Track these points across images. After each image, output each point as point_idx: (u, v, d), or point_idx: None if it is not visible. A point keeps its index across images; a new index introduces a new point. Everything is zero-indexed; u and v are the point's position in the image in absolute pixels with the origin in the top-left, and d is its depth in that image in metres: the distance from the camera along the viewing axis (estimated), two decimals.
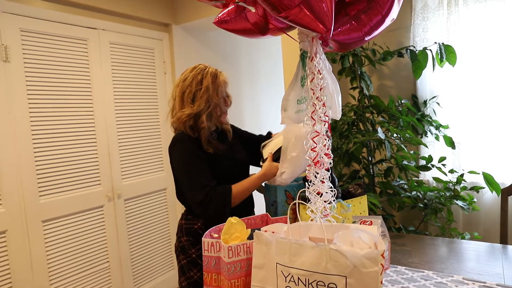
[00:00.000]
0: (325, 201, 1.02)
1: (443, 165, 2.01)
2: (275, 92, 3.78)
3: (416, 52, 2.10)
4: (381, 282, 0.74)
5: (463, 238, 1.95)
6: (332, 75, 1.10)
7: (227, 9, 1.15)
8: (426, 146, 2.18)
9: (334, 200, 1.04)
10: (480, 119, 2.12)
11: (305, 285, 0.79)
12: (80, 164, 2.29)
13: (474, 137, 2.15)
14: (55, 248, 2.15)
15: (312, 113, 1.03)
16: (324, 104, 1.03)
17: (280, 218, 1.20)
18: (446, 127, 2.18)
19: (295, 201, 0.92)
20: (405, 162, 2.05)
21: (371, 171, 2.22)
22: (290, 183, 1.38)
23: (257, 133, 1.68)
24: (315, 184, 1.03)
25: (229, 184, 1.36)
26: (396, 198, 2.03)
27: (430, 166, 2.03)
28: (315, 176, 1.03)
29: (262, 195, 1.58)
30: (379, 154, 2.44)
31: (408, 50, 2.13)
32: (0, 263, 1.91)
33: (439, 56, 2.02)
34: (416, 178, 2.22)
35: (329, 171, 1.05)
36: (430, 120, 2.20)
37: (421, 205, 2.01)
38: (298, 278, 0.80)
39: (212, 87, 1.38)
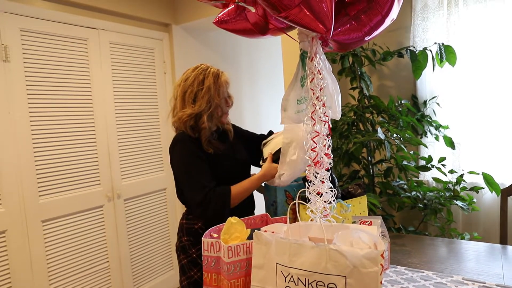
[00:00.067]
0: (325, 201, 1.02)
1: (443, 165, 2.01)
2: (275, 92, 3.78)
3: (416, 52, 2.10)
4: (381, 282, 0.74)
5: (462, 238, 1.95)
6: (332, 75, 1.10)
7: (227, 9, 1.15)
8: (426, 147, 2.18)
9: (334, 200, 1.04)
10: (480, 119, 2.12)
11: (305, 285, 0.79)
12: (80, 164, 2.29)
13: (474, 138, 2.15)
14: (54, 248, 2.15)
15: (312, 113, 1.03)
16: (324, 104, 1.03)
17: (280, 218, 1.20)
18: (446, 127, 2.18)
19: (295, 201, 0.92)
20: (405, 163, 2.05)
21: (371, 171, 2.22)
22: (290, 183, 1.38)
23: (257, 133, 1.68)
24: (315, 184, 1.03)
25: (229, 185, 1.36)
26: (395, 198, 2.03)
27: (430, 166, 2.03)
28: (315, 176, 1.03)
29: (262, 195, 1.58)
30: (379, 154, 2.44)
31: (408, 51, 2.13)
32: None
33: (439, 57, 2.03)
34: (416, 179, 2.22)
35: (329, 171, 1.05)
36: (430, 120, 2.20)
37: (421, 206, 2.01)
38: (298, 278, 0.80)
39: (213, 87, 1.38)
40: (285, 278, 0.82)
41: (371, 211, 1.82)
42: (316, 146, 1.03)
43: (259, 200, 1.63)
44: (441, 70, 2.17)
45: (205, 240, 0.99)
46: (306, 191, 1.03)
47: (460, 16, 2.13)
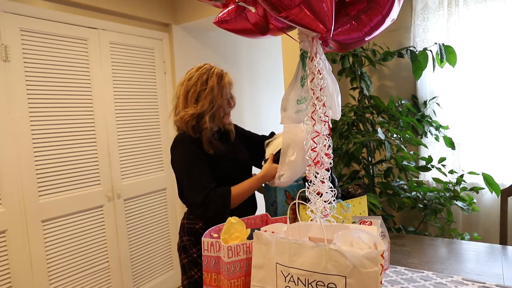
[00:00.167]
0: (325, 201, 1.02)
1: (443, 165, 2.01)
2: (275, 92, 3.78)
3: (416, 52, 2.10)
4: (381, 282, 0.74)
5: (462, 238, 1.95)
6: (332, 75, 1.10)
7: (227, 9, 1.15)
8: (426, 147, 2.18)
9: (334, 200, 1.04)
10: (480, 120, 2.12)
11: (305, 285, 0.79)
12: (80, 164, 2.29)
13: (474, 138, 2.15)
14: (54, 248, 2.15)
15: (312, 113, 1.03)
16: (324, 104, 1.03)
17: (280, 218, 1.20)
18: (446, 127, 2.18)
19: (294, 201, 0.92)
20: (405, 163, 2.05)
21: (371, 171, 2.22)
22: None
23: (257, 133, 1.68)
24: (315, 184, 1.03)
25: (229, 186, 1.35)
26: (395, 199, 2.03)
27: (430, 166, 2.03)
28: (315, 176, 1.03)
29: (262, 195, 1.58)
30: (379, 154, 2.44)
31: (408, 51, 2.13)
32: None
33: (439, 57, 2.02)
34: (416, 179, 2.22)
35: (329, 171, 1.05)
36: (430, 120, 2.20)
37: (421, 206, 2.01)
38: (298, 278, 0.80)
39: (217, 88, 1.38)
40: (285, 278, 0.82)
41: (371, 211, 1.82)
42: (316, 146, 1.03)
43: (259, 200, 1.62)
44: (441, 71, 2.17)
45: (205, 240, 0.99)
46: (306, 191, 1.03)
47: (461, 17, 2.13)
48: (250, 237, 0.96)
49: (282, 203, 1.46)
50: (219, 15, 1.16)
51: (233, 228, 0.98)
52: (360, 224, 1.14)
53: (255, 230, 0.90)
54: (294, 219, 1.25)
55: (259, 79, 3.70)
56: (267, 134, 1.65)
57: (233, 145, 1.50)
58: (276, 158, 1.40)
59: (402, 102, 2.21)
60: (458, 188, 1.96)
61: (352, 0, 1.00)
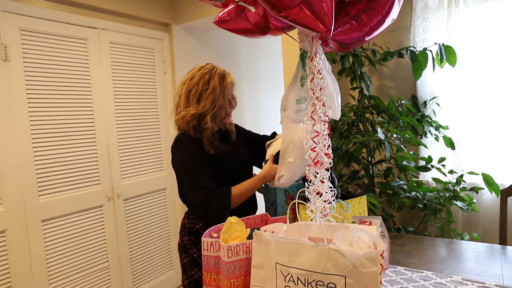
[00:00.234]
0: (324, 201, 1.02)
1: (443, 165, 2.01)
2: (275, 92, 3.78)
3: (416, 52, 2.10)
4: (381, 282, 0.74)
5: (462, 238, 1.95)
6: (332, 75, 1.10)
7: (227, 9, 1.15)
8: (426, 147, 2.18)
9: (333, 200, 1.04)
10: (480, 120, 2.12)
11: (305, 285, 0.79)
12: (80, 163, 2.29)
13: (474, 138, 2.15)
14: (54, 248, 2.15)
15: (312, 113, 1.03)
16: (324, 104, 1.03)
17: (280, 218, 1.20)
18: (446, 127, 2.18)
19: (294, 201, 0.92)
20: (404, 163, 2.05)
21: (371, 171, 2.22)
22: None
23: (258, 133, 1.68)
24: (314, 184, 1.03)
25: (229, 186, 1.35)
26: (395, 199, 2.03)
27: (430, 166, 2.03)
28: (315, 176, 1.03)
29: (262, 195, 1.58)
30: (378, 154, 2.44)
31: (408, 51, 2.13)
32: None
33: (439, 57, 2.02)
34: (416, 179, 2.22)
35: (328, 171, 1.05)
36: (430, 120, 2.20)
37: (421, 206, 2.01)
38: (298, 278, 0.80)
39: (219, 88, 1.38)
40: (285, 277, 0.82)
41: (371, 211, 1.82)
42: (316, 146, 1.03)
43: (259, 200, 1.62)
44: (441, 71, 2.17)
45: (205, 239, 0.99)
46: (306, 191, 1.03)
47: (461, 17, 2.13)
48: (250, 237, 0.96)
49: (282, 203, 1.46)
50: (219, 15, 1.16)
51: (233, 228, 0.98)
52: (359, 224, 1.14)
53: (255, 230, 0.90)
54: (294, 219, 1.25)
55: (259, 79, 3.69)
56: (267, 134, 1.65)
57: (234, 145, 1.50)
58: (276, 159, 1.40)
59: (402, 102, 2.21)
60: (457, 188, 1.96)
61: (352, 0, 1.00)
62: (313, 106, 1.02)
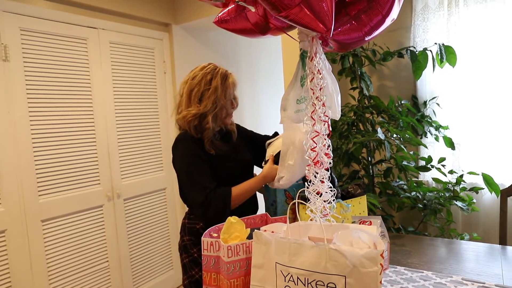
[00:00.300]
0: (324, 201, 1.02)
1: (443, 165, 2.01)
2: (275, 92, 3.78)
3: (416, 52, 2.10)
4: (380, 282, 0.74)
5: (462, 238, 1.95)
6: (332, 75, 1.10)
7: (227, 9, 1.15)
8: (426, 147, 2.18)
9: (333, 200, 1.04)
10: (480, 120, 2.12)
11: (305, 285, 0.79)
12: (80, 163, 2.29)
13: (474, 138, 2.15)
14: (54, 248, 2.15)
15: (311, 113, 1.03)
16: (323, 104, 1.03)
17: (280, 217, 1.20)
18: (446, 128, 2.18)
19: (294, 201, 0.92)
20: (404, 163, 2.05)
21: (371, 171, 2.22)
22: None
23: (259, 133, 1.67)
24: (314, 184, 1.03)
25: (230, 186, 1.35)
26: (395, 199, 2.03)
27: (430, 166, 2.03)
28: (315, 176, 1.03)
29: (262, 195, 1.58)
30: (378, 154, 2.44)
31: (408, 51, 2.13)
32: None
33: (439, 57, 2.02)
34: (416, 179, 2.22)
35: (328, 171, 1.05)
36: (430, 120, 2.20)
37: (421, 206, 2.01)
38: (298, 278, 0.80)
39: (221, 88, 1.38)
40: (285, 277, 0.82)
41: (371, 211, 1.82)
42: (316, 146, 1.03)
43: (259, 200, 1.62)
44: (441, 71, 2.17)
45: (205, 239, 0.99)
46: (305, 191, 1.03)
47: (461, 17, 2.13)
48: (250, 236, 0.96)
49: (281, 202, 1.46)
50: (219, 15, 1.16)
51: (233, 228, 0.98)
52: (359, 224, 1.14)
53: (255, 230, 0.90)
54: (293, 219, 1.25)
55: (259, 79, 3.69)
56: (268, 134, 1.65)
57: (235, 145, 1.50)
58: (277, 159, 1.40)
59: (402, 102, 2.21)
60: (457, 188, 1.96)
61: (352, 0, 1.00)
62: (313, 106, 1.02)
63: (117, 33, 2.52)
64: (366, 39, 1.03)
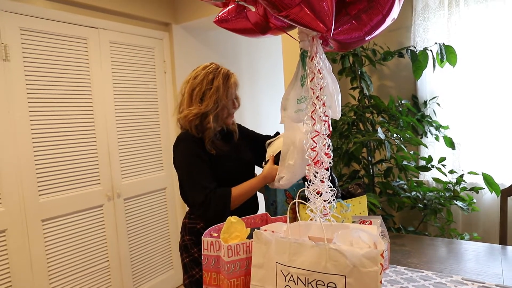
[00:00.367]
0: (324, 201, 1.02)
1: (443, 165, 2.01)
2: (275, 92, 3.78)
3: (417, 52, 2.10)
4: (381, 282, 0.74)
5: (462, 238, 1.95)
6: (332, 75, 1.10)
7: (227, 8, 1.14)
8: (426, 147, 2.18)
9: (333, 200, 1.04)
10: (480, 120, 2.12)
11: (305, 285, 0.79)
12: (80, 163, 2.29)
13: (474, 138, 2.15)
14: (54, 247, 2.15)
15: (312, 113, 1.03)
16: (324, 103, 1.03)
17: (280, 217, 1.20)
18: (446, 127, 2.18)
19: (294, 201, 0.92)
20: (405, 163, 2.05)
21: (371, 171, 2.22)
22: None
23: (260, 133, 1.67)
24: (314, 184, 1.03)
25: (231, 186, 1.35)
26: (395, 198, 2.03)
27: (430, 166, 2.03)
28: (315, 176, 1.03)
29: (262, 194, 1.58)
30: (379, 154, 2.44)
31: (409, 51, 2.13)
32: None
33: (440, 57, 2.02)
34: (416, 179, 2.22)
35: (328, 171, 1.05)
36: (430, 120, 2.20)
37: (421, 206, 2.01)
38: (298, 278, 0.80)
39: (222, 88, 1.38)
40: (285, 277, 0.82)
41: (371, 211, 1.82)
42: (316, 146, 1.03)
43: (259, 200, 1.62)
44: (442, 70, 2.17)
45: (205, 239, 0.99)
46: (305, 191, 1.02)
47: (461, 16, 2.13)
48: (250, 236, 0.96)
49: (282, 202, 1.46)
50: (219, 14, 1.16)
51: (233, 228, 0.98)
52: (360, 223, 1.14)
53: (255, 230, 0.90)
54: (294, 219, 1.25)
55: (259, 79, 3.69)
56: (268, 134, 1.64)
57: (236, 145, 1.49)
58: (277, 159, 1.39)
59: (402, 102, 2.21)
60: (458, 188, 1.96)
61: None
62: (313, 105, 1.02)
63: (117, 32, 2.52)
64: (367, 38, 1.02)
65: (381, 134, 1.96)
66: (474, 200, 1.93)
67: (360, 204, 1.38)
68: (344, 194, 1.39)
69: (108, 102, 2.45)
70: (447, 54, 2.02)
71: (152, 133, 2.76)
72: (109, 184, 2.45)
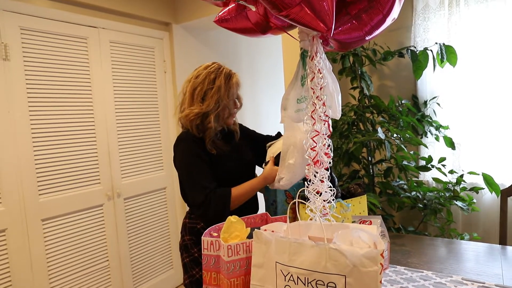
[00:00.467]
0: (324, 200, 1.02)
1: (443, 165, 2.01)
2: (275, 92, 3.78)
3: (417, 52, 2.10)
4: (380, 282, 0.74)
5: (462, 238, 1.95)
6: (332, 75, 1.10)
7: (227, 8, 1.14)
8: (426, 147, 2.18)
9: (333, 200, 1.03)
10: (480, 120, 2.12)
11: (305, 284, 0.79)
12: (80, 163, 2.29)
13: (474, 138, 2.15)
14: (54, 247, 2.15)
15: (312, 112, 1.03)
16: (324, 103, 1.03)
17: (280, 217, 1.20)
18: (446, 127, 2.18)
19: (294, 200, 0.92)
20: (405, 163, 2.05)
21: (371, 171, 2.22)
22: None
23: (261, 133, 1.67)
24: (314, 183, 1.03)
25: (231, 186, 1.35)
26: (395, 198, 2.03)
27: (430, 166, 2.03)
28: (315, 175, 1.03)
29: (262, 194, 1.58)
30: (379, 154, 2.44)
31: (409, 50, 2.13)
32: None
33: (440, 57, 2.02)
34: (416, 179, 2.22)
35: (328, 171, 1.05)
36: (430, 120, 2.20)
37: (421, 206, 2.01)
38: (298, 277, 0.80)
39: (224, 87, 1.37)
40: (285, 277, 0.82)
41: (371, 211, 1.82)
42: (316, 145, 1.03)
43: (259, 199, 1.62)
44: (442, 70, 2.17)
45: (205, 239, 0.99)
46: (305, 190, 1.02)
47: (461, 16, 2.13)
48: (250, 236, 0.96)
49: (282, 202, 1.46)
50: (220, 14, 1.16)
51: (233, 227, 0.98)
52: (360, 223, 1.14)
53: (255, 229, 0.90)
54: (294, 218, 1.25)
55: (260, 79, 3.69)
56: (268, 134, 1.64)
57: (237, 145, 1.49)
58: (277, 160, 1.39)
59: (402, 102, 2.21)
60: (458, 188, 1.96)
61: None
62: (313, 105, 1.02)
63: (117, 32, 2.52)
64: (367, 38, 1.02)
65: (381, 134, 1.96)
66: (474, 200, 1.93)
67: (360, 204, 1.38)
68: (344, 194, 1.39)
69: (108, 102, 2.45)
70: (447, 54, 2.02)
71: (152, 133, 2.76)
72: (109, 183, 2.45)
